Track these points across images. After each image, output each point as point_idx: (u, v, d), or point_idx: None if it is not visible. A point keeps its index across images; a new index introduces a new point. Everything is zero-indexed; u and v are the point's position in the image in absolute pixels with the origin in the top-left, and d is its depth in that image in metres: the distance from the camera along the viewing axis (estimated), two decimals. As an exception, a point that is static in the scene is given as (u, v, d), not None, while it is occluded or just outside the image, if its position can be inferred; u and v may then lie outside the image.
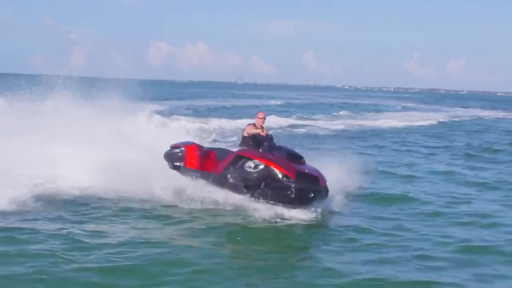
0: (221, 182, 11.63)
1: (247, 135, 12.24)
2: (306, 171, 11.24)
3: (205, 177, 12.03)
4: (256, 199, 11.10)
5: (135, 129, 17.22)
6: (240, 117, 36.75)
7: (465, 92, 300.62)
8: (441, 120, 45.12)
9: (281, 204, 10.92)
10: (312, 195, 10.88)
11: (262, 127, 12.31)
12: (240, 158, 11.62)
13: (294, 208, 10.89)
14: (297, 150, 12.12)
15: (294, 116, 41.64)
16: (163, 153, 13.02)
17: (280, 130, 30.76)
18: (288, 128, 32.49)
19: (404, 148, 24.31)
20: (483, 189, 15.02)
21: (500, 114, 62.20)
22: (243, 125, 31.97)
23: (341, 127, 35.28)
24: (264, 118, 12.54)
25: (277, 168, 11.08)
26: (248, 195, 11.20)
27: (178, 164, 12.84)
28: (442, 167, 18.60)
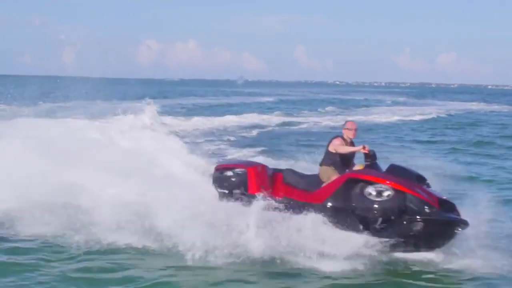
0: (324, 215, 8.71)
1: (334, 151, 9.44)
2: (444, 197, 8.60)
3: (293, 208, 8.95)
4: (377, 236, 8.34)
5: (117, 131, 16.57)
6: (232, 114, 36.73)
7: (456, 85, 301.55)
8: (434, 114, 45.03)
9: (415, 244, 8.33)
10: (459, 230, 8.29)
11: (352, 142, 9.66)
12: (353, 182, 8.72)
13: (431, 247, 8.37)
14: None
15: (286, 113, 41.50)
16: (212, 177, 10.09)
17: (277, 128, 30.64)
18: (285, 126, 32.26)
19: (396, 143, 24.20)
20: (478, 184, 14.92)
21: (493, 107, 62.20)
22: (233, 122, 32.32)
23: (335, 123, 35.08)
24: (356, 130, 9.65)
25: (414, 194, 8.30)
26: (366, 232, 8.44)
27: (236, 191, 9.64)
28: (436, 163, 18.44)
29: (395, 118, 39.99)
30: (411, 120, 38.96)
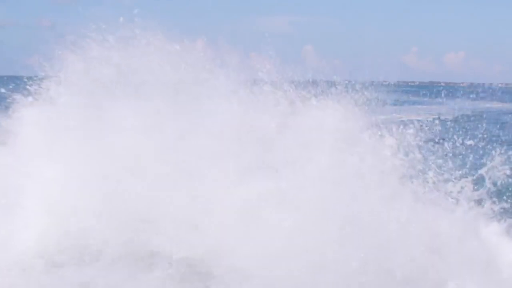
0: None
1: None
2: None
3: None
4: None
5: None
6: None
7: (465, 84, 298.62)
8: (445, 114, 44.04)
9: None
10: None
11: None
12: None
13: None
14: None
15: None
16: None
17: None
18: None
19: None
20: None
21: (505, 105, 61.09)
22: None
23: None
24: None
25: None
26: None
27: None
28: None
29: (407, 117, 39.07)
30: (421, 120, 37.86)
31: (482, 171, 8.38)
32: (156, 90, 8.53)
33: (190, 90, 8.47)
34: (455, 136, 9.59)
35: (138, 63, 8.67)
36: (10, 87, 9.98)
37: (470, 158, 9.16)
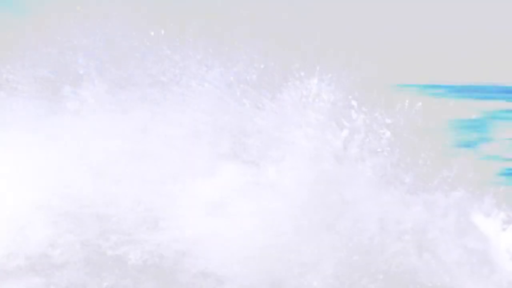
0: None
1: None
2: None
3: None
4: None
5: None
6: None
7: (466, 83, 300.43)
8: (450, 114, 43.37)
9: None
10: None
11: None
12: None
13: None
14: None
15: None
16: None
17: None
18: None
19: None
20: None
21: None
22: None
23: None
24: None
25: None
26: None
27: None
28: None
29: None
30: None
31: (485, 147, 7.58)
32: (125, 77, 7.98)
33: (166, 79, 7.93)
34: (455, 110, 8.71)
35: (106, 47, 8.07)
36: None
37: (473, 134, 8.37)
